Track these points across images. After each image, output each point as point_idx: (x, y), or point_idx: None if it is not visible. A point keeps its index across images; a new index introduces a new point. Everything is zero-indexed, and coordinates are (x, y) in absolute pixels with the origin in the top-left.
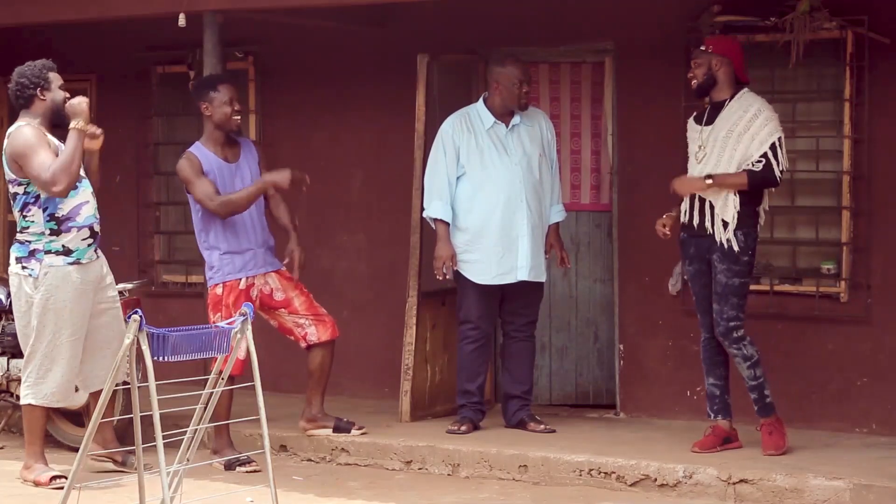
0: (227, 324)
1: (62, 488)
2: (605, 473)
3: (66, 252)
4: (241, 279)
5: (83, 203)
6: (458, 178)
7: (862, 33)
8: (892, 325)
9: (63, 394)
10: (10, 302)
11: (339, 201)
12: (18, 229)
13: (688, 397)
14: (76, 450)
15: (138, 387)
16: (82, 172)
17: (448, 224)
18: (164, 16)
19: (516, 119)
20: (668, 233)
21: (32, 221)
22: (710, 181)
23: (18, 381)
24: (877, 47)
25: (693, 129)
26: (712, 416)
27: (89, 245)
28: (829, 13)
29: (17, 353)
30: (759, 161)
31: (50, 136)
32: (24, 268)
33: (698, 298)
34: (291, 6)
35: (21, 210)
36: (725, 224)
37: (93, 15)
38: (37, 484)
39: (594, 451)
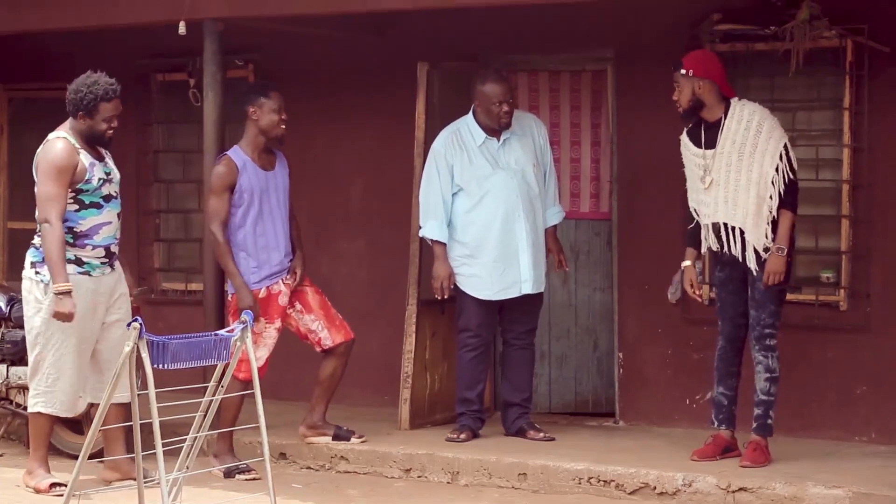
0: (227, 332)
1: (62, 496)
2: (605, 482)
3: (78, 262)
4: (262, 288)
5: (104, 224)
6: (453, 194)
7: (862, 42)
8: (892, 333)
9: (71, 403)
10: (10, 309)
11: (340, 209)
12: (37, 231)
13: (687, 405)
14: (75, 457)
15: (138, 395)
16: (112, 192)
17: (444, 244)
18: (164, 23)
19: (507, 132)
20: (699, 292)
21: None
22: (782, 252)
23: (18, 388)
24: (876, 56)
25: (693, 152)
26: (716, 424)
27: (102, 263)
28: (829, 22)
29: (16, 360)
30: (776, 180)
31: (83, 154)
32: (36, 273)
33: (723, 305)
34: (291, 14)
35: None
36: (755, 249)
37: (93, 23)
38: (37, 490)
39: (593, 460)
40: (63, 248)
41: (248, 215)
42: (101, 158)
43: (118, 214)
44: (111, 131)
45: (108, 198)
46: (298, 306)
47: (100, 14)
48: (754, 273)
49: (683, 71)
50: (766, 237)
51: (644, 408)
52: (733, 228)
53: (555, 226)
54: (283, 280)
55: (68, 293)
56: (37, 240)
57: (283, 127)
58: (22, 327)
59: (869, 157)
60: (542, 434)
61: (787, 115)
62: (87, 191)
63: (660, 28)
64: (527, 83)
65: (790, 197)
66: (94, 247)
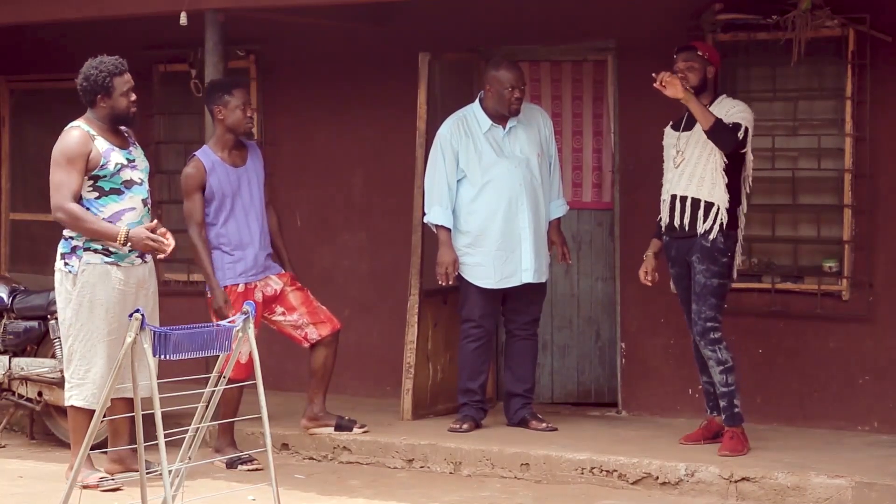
0: (229, 322)
1: (111, 490)
2: (607, 472)
3: (106, 252)
4: (239, 283)
5: (127, 210)
6: (457, 181)
7: (863, 31)
8: (894, 323)
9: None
10: (12, 300)
11: (341, 200)
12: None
13: (689, 395)
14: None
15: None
16: (136, 178)
17: (449, 230)
18: (165, 14)
19: (513, 120)
20: (651, 279)
21: None
22: (684, 95)
23: (21, 379)
24: (878, 45)
25: (670, 136)
26: (708, 412)
27: (130, 251)
28: (831, 11)
29: (18, 351)
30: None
31: (99, 141)
32: (66, 264)
33: (682, 301)
34: (293, 5)
35: None
36: (709, 208)
37: (93, 13)
38: (85, 487)
39: (596, 450)
40: (89, 213)
41: (220, 214)
42: (123, 146)
43: (144, 201)
44: (133, 107)
45: (129, 183)
46: (280, 309)
47: (100, 5)
48: (697, 257)
49: (700, 52)
50: (725, 203)
51: (646, 398)
52: (683, 199)
53: (558, 219)
54: (270, 277)
55: (127, 233)
56: (66, 231)
57: (250, 123)
58: (24, 318)
59: (871, 147)
60: (544, 424)
61: (789, 104)
62: (104, 177)
63: (661, 18)
64: (528, 73)
65: (724, 125)
66: None
